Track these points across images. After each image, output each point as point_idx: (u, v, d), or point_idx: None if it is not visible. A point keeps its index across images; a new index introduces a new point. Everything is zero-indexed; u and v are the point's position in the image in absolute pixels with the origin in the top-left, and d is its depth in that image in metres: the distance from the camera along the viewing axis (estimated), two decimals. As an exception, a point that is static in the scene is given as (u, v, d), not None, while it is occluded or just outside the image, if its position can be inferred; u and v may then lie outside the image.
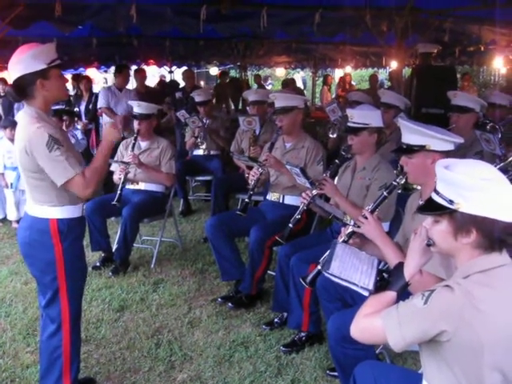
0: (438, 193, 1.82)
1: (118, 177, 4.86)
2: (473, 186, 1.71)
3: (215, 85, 13.28)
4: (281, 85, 12.64)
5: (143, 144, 5.24)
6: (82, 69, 12.66)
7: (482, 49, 9.82)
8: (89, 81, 8.77)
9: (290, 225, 3.63)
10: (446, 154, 2.64)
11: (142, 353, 3.62)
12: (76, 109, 8.48)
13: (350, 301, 3.00)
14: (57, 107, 7.69)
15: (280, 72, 16.47)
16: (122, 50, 9.82)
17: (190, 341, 3.77)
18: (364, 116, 3.58)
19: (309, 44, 11.09)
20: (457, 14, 7.29)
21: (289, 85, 11.22)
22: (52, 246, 2.79)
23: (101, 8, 5.41)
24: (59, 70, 2.80)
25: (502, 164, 3.52)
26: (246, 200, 4.22)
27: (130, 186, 5.13)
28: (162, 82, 10.17)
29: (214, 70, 15.51)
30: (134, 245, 5.22)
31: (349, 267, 2.37)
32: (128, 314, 4.17)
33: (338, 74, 17.16)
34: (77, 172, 2.68)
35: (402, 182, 2.81)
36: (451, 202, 1.75)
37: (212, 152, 6.82)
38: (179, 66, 12.80)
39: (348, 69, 15.25)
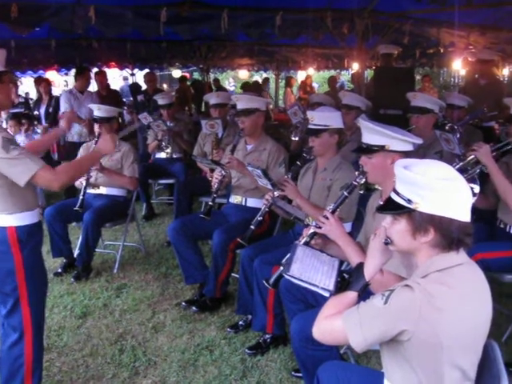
0: (397, 192, 1.83)
1: (79, 182, 4.78)
2: (431, 185, 1.73)
3: (176, 88, 13.23)
4: (241, 87, 12.67)
5: (104, 147, 5.16)
6: (41, 71, 12.43)
7: (442, 51, 9.99)
8: (48, 84, 8.60)
9: (252, 226, 3.63)
10: (405, 155, 2.68)
11: (105, 359, 3.57)
12: (36, 112, 8.33)
13: (313, 302, 3.00)
14: (15, 111, 7.57)
15: (243, 74, 16.47)
16: (82, 52, 9.67)
17: (154, 346, 3.73)
18: (324, 117, 3.60)
19: (271, 46, 11.13)
20: (416, 17, 7.41)
21: (253, 88, 11.22)
22: (11, 256, 2.73)
23: (58, 9, 5.31)
24: (9, 76, 2.76)
25: (461, 163, 3.56)
26: (210, 203, 4.22)
27: (91, 191, 5.04)
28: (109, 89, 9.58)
29: (176, 73, 15.42)
30: (97, 250, 5.15)
31: (309, 269, 2.38)
32: (91, 321, 4.11)
33: (300, 75, 17.23)
34: (40, 166, 2.61)
35: (362, 182, 2.83)
36: (410, 201, 1.77)
37: (175, 155, 6.77)
38: (141, 69, 12.69)
39: (310, 71, 15.33)
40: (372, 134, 2.74)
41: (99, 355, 3.62)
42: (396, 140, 2.68)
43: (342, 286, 2.18)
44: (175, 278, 4.87)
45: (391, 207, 1.86)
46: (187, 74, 16.24)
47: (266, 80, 15.68)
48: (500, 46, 8.84)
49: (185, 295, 4.52)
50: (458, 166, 3.53)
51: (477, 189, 3.20)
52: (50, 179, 2.67)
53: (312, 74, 16.10)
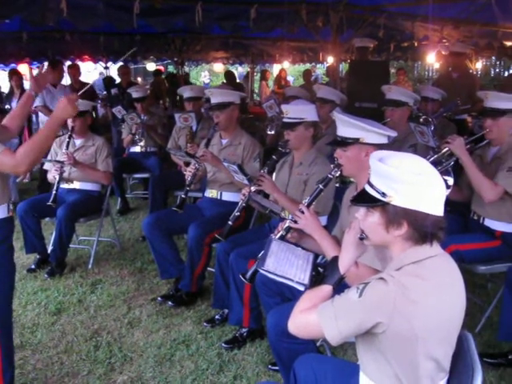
0: (371, 185, 1.83)
1: (52, 176, 4.72)
2: (405, 179, 1.74)
3: (151, 81, 13.13)
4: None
5: (78, 142, 5.11)
6: (13, 65, 12.22)
7: (416, 44, 10.06)
8: (20, 77, 8.47)
9: (230, 222, 3.61)
10: (380, 147, 2.68)
11: (80, 356, 3.53)
12: (7, 106, 8.19)
13: (289, 295, 3.01)
14: (-14, 104, 7.44)
15: (218, 67, 16.39)
16: (54, 45, 9.50)
17: (129, 341, 3.71)
18: (299, 111, 3.60)
19: (246, 39, 11.07)
20: (391, 10, 7.44)
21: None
22: None
23: (29, 1, 5.20)
24: None
25: (435, 156, 3.60)
26: (183, 196, 4.20)
27: (64, 186, 4.98)
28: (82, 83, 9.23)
29: (151, 66, 15.28)
30: (71, 245, 5.09)
31: (284, 263, 2.37)
32: (65, 317, 4.06)
33: (276, 69, 17.23)
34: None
35: (337, 175, 2.84)
36: (384, 194, 1.77)
37: (149, 149, 6.73)
38: (115, 62, 12.55)
39: (286, 64, 15.33)
40: (347, 126, 2.74)
41: (74, 352, 3.58)
42: (371, 133, 2.69)
43: (317, 279, 2.17)
44: (151, 272, 4.84)
45: (365, 199, 1.85)
46: (161, 68, 16.10)
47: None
48: (473, 39, 8.91)
49: (160, 290, 4.49)
50: (432, 159, 3.57)
51: (451, 181, 3.22)
52: (12, 164, 2.54)
53: (287, 68, 16.10)
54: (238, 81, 14.16)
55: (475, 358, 1.78)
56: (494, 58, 15.09)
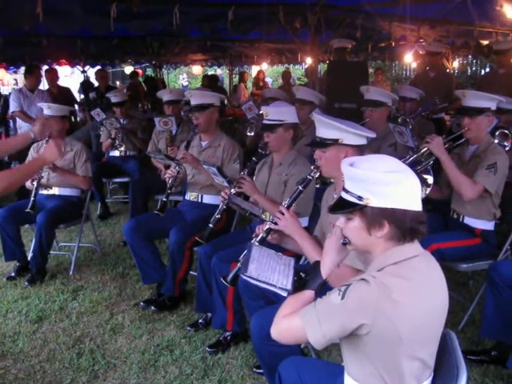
0: (346, 191, 1.84)
1: (30, 183, 4.66)
2: (379, 179, 1.74)
3: (128, 85, 13.06)
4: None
5: (56, 147, 5.04)
6: (-10, 70, 12.11)
7: (393, 44, 10.14)
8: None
9: (211, 225, 3.60)
10: (359, 148, 2.69)
11: (63, 364, 3.48)
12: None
13: (273, 298, 2.99)
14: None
15: (196, 70, 16.35)
16: (31, 50, 9.42)
17: (113, 348, 3.67)
18: (278, 113, 3.60)
19: (224, 41, 11.10)
20: (368, 11, 7.49)
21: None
22: None
23: (3, 5, 5.14)
24: None
25: (415, 156, 3.62)
26: (164, 199, 4.17)
27: (43, 192, 4.93)
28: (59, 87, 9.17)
29: (129, 69, 15.19)
30: (51, 252, 5.03)
31: (266, 268, 2.37)
32: (47, 325, 4.00)
33: (254, 70, 17.24)
34: None
35: (316, 176, 2.84)
36: (360, 198, 1.78)
37: (129, 153, 6.68)
38: (92, 66, 12.46)
39: (264, 65, 15.35)
40: (325, 127, 2.75)
41: (56, 360, 3.53)
42: (349, 134, 2.69)
43: (299, 284, 2.18)
44: (132, 277, 4.80)
45: (343, 206, 1.86)
46: (140, 71, 16.02)
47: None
48: (450, 38, 9.02)
49: (143, 295, 4.46)
50: (411, 158, 3.60)
51: (431, 180, 3.26)
52: None
53: (265, 69, 16.12)
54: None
55: (459, 357, 1.79)
56: (470, 56, 15.24)
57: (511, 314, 3.23)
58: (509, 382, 3.13)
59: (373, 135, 2.79)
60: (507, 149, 4.05)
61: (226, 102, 10.62)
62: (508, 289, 3.16)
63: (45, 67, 9.99)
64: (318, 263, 2.06)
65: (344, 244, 1.96)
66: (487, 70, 15.84)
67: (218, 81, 13.63)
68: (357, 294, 1.70)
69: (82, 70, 12.28)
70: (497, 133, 4.07)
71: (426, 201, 1.82)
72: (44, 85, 9.51)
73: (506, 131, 4.19)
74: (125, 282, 4.74)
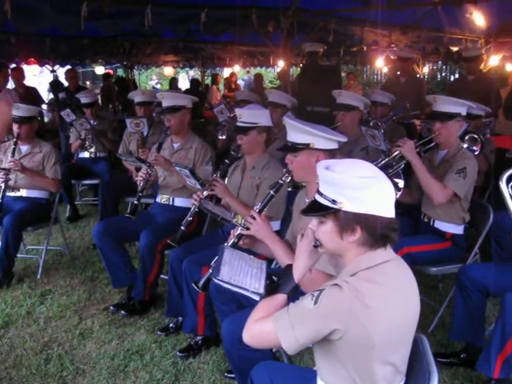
0: (320, 194, 1.83)
1: (-3, 184, 4.57)
2: (353, 184, 1.74)
3: (101, 86, 12.93)
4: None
5: (24, 148, 4.94)
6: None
7: (365, 49, 10.24)
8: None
9: (182, 227, 3.57)
10: (330, 153, 2.69)
11: (30, 370, 3.41)
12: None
13: (245, 302, 2.97)
14: None
15: (168, 71, 16.27)
16: (-1, 48, 9.27)
17: (81, 353, 3.61)
18: (253, 115, 3.59)
19: (197, 43, 11.06)
20: (340, 16, 7.55)
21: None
22: None
23: (-30, 3, 5.03)
24: None
25: (386, 159, 3.65)
26: (135, 202, 4.13)
27: (10, 194, 4.82)
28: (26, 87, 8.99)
29: (99, 70, 15.05)
30: (18, 255, 4.90)
31: (238, 272, 2.35)
32: (13, 330, 3.92)
33: (226, 73, 17.22)
34: None
35: (288, 180, 2.83)
36: (334, 201, 1.78)
37: (99, 154, 6.59)
38: (62, 65, 12.29)
39: (236, 68, 15.35)
40: (296, 132, 2.74)
41: (23, 366, 3.46)
42: (320, 138, 2.68)
43: (271, 288, 2.16)
44: (102, 281, 4.73)
45: (316, 209, 1.85)
46: (111, 71, 15.87)
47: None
48: (421, 44, 9.15)
49: (113, 299, 4.39)
50: (383, 162, 3.62)
51: (401, 184, 3.28)
52: None
53: (238, 72, 16.13)
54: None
55: (431, 361, 1.80)
56: (440, 62, 15.47)
57: (480, 317, 3.28)
58: (477, 385, 3.16)
59: (344, 139, 2.79)
60: (476, 153, 4.11)
61: (205, 104, 10.59)
62: (477, 292, 3.20)
63: (13, 66, 9.82)
64: (290, 267, 2.06)
65: (315, 247, 1.95)
66: (456, 76, 16.11)
67: (199, 85, 13.59)
68: (330, 299, 1.69)
69: (51, 69, 12.11)
70: (466, 137, 4.13)
71: (396, 205, 1.82)
72: (12, 84, 9.34)
73: (476, 136, 4.27)
74: (94, 286, 4.67)
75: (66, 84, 9.38)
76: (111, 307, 4.20)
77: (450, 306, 3.72)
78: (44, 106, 9.58)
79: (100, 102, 11.79)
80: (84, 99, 6.53)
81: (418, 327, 1.86)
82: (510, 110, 6.32)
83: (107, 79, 13.15)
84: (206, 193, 3.46)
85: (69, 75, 8.99)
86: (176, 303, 3.79)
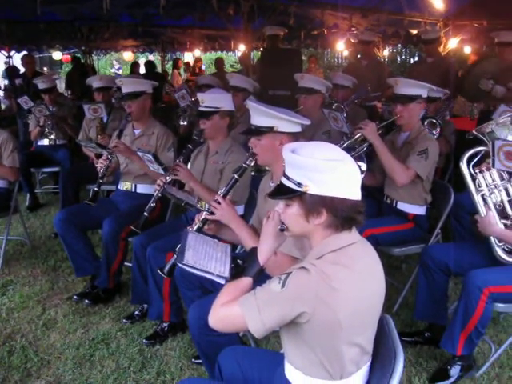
0: (287, 177, 1.83)
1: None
2: (319, 167, 1.74)
3: (68, 72, 12.61)
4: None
5: (-22, 137, 4.81)
6: None
7: (326, 32, 10.25)
8: None
9: (145, 213, 3.54)
10: (294, 136, 2.69)
11: (-8, 363, 3.35)
12: None
13: (210, 287, 2.97)
14: None
15: (128, 56, 16.02)
16: (-49, 33, 8.98)
17: (46, 344, 3.55)
18: (215, 100, 3.56)
19: (156, 27, 10.91)
20: (301, -1, 7.53)
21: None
22: None
23: None
24: None
25: (348, 141, 3.67)
26: (95, 189, 4.06)
27: (-33, 184, 4.70)
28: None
29: (57, 55, 14.73)
30: (-23, 246, 4.82)
31: (203, 256, 2.34)
32: (-26, 323, 3.85)
33: (187, 57, 17.06)
34: None
35: (252, 164, 2.82)
36: (299, 184, 1.77)
37: (58, 141, 6.45)
38: (18, 51, 11.99)
39: (197, 52, 15.22)
40: (260, 115, 2.72)
41: (-15, 359, 3.40)
42: (284, 121, 2.68)
43: (236, 271, 2.15)
44: (65, 270, 4.66)
45: (282, 192, 1.85)
46: (69, 57, 15.54)
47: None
48: (381, 27, 9.20)
49: (76, 288, 4.34)
50: (345, 144, 3.64)
51: (364, 166, 3.30)
52: None
53: (198, 55, 16.01)
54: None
55: (396, 340, 1.82)
56: (400, 45, 15.59)
57: (443, 296, 3.34)
58: (441, 361, 3.22)
59: (307, 122, 2.78)
60: (436, 137, 4.17)
61: (166, 88, 10.43)
62: (439, 271, 3.26)
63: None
64: (255, 250, 2.05)
65: (281, 230, 1.95)
66: (416, 58, 16.28)
67: (156, 67, 13.39)
68: (297, 282, 1.69)
69: (7, 55, 11.80)
70: (425, 122, 4.18)
71: (360, 187, 1.83)
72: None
73: (434, 120, 4.33)
74: (57, 275, 4.59)
75: (22, 70, 9.17)
76: (75, 296, 4.15)
77: (413, 286, 3.79)
78: (0, 93, 9.36)
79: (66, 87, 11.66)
80: (41, 85, 6.37)
81: (383, 307, 1.88)
82: (464, 88, 6.42)
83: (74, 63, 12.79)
84: (169, 178, 3.43)
85: (25, 61, 8.78)
86: (141, 290, 3.75)
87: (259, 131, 2.73)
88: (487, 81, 5.86)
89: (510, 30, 6.20)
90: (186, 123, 6.00)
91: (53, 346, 3.53)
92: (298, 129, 2.73)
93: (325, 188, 1.74)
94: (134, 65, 13.28)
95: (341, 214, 1.77)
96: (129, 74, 12.81)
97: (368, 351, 1.84)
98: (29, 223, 5.92)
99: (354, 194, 1.78)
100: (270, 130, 2.69)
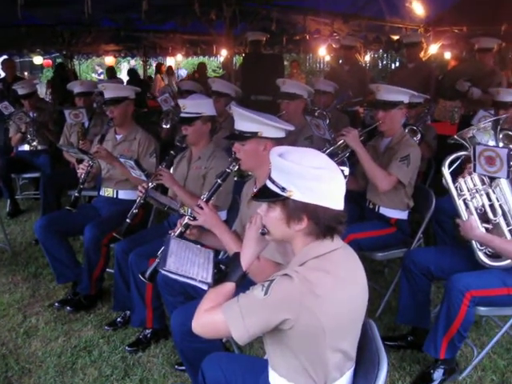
0: (272, 180, 1.82)
1: None
2: (305, 174, 1.73)
3: (52, 77, 12.49)
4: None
5: (-42, 142, 4.76)
6: None
7: (308, 37, 10.30)
8: None
9: (128, 220, 3.51)
10: (278, 141, 2.69)
11: (-28, 372, 3.30)
12: None
13: (193, 293, 2.95)
14: None
15: (109, 61, 15.95)
16: None
17: (27, 352, 3.51)
18: (196, 105, 3.56)
19: (138, 32, 10.87)
20: (283, 4, 7.55)
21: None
22: None
23: None
24: None
25: (331, 148, 3.68)
26: (76, 194, 4.03)
27: None
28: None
29: (38, 60, 14.62)
30: (-44, 253, 4.76)
31: (185, 262, 2.33)
32: (-47, 331, 3.79)
33: (169, 62, 17.01)
34: None
35: (235, 169, 2.82)
36: (284, 189, 1.77)
37: (39, 147, 6.39)
38: (-1, 55, 11.90)
39: (179, 57, 15.20)
40: (244, 120, 2.72)
41: (-35, 368, 3.34)
42: (268, 127, 2.68)
43: (219, 277, 2.14)
44: (46, 277, 4.61)
45: (266, 195, 1.85)
46: (49, 61, 15.44)
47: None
48: (362, 33, 9.27)
49: (57, 295, 4.29)
50: (328, 151, 3.65)
51: (347, 171, 3.30)
52: None
53: (180, 61, 16.00)
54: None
55: (380, 346, 1.83)
56: (381, 51, 15.72)
57: (425, 300, 3.36)
58: (424, 365, 3.24)
59: (291, 128, 2.79)
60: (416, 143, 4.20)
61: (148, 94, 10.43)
62: (422, 275, 3.28)
63: None
64: (237, 255, 2.04)
65: (262, 234, 1.95)
66: (397, 64, 16.39)
67: (138, 74, 13.36)
68: (280, 289, 1.69)
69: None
70: (406, 130, 4.22)
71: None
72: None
73: (414, 127, 4.38)
74: (38, 282, 4.54)
75: (2, 75, 9.08)
76: (56, 303, 4.10)
77: (395, 290, 3.80)
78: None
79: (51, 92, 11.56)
80: (21, 90, 6.28)
81: (366, 312, 1.88)
82: (442, 86, 6.50)
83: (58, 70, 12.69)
84: (151, 184, 3.42)
85: (5, 65, 8.70)
86: (123, 297, 3.73)
87: (243, 136, 2.73)
88: (464, 82, 5.95)
89: (490, 36, 6.28)
90: (168, 126, 5.99)
91: (34, 355, 3.48)
92: (282, 134, 2.73)
93: (309, 195, 1.74)
94: (110, 69, 13.22)
95: (322, 223, 1.77)
96: (107, 78, 12.75)
97: (352, 357, 1.84)
98: (9, 229, 5.86)
99: (338, 204, 1.78)
100: (255, 135, 2.69)
